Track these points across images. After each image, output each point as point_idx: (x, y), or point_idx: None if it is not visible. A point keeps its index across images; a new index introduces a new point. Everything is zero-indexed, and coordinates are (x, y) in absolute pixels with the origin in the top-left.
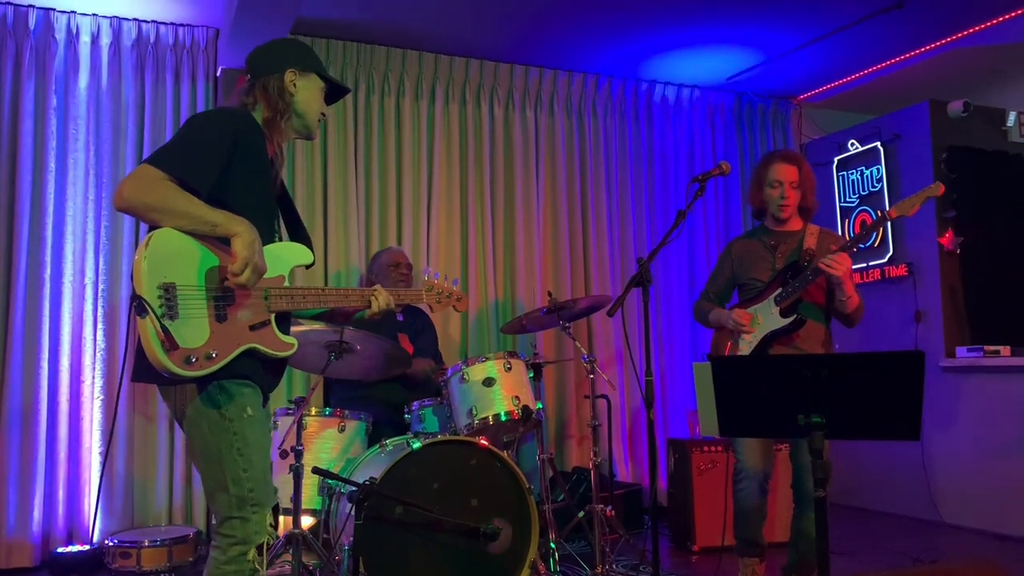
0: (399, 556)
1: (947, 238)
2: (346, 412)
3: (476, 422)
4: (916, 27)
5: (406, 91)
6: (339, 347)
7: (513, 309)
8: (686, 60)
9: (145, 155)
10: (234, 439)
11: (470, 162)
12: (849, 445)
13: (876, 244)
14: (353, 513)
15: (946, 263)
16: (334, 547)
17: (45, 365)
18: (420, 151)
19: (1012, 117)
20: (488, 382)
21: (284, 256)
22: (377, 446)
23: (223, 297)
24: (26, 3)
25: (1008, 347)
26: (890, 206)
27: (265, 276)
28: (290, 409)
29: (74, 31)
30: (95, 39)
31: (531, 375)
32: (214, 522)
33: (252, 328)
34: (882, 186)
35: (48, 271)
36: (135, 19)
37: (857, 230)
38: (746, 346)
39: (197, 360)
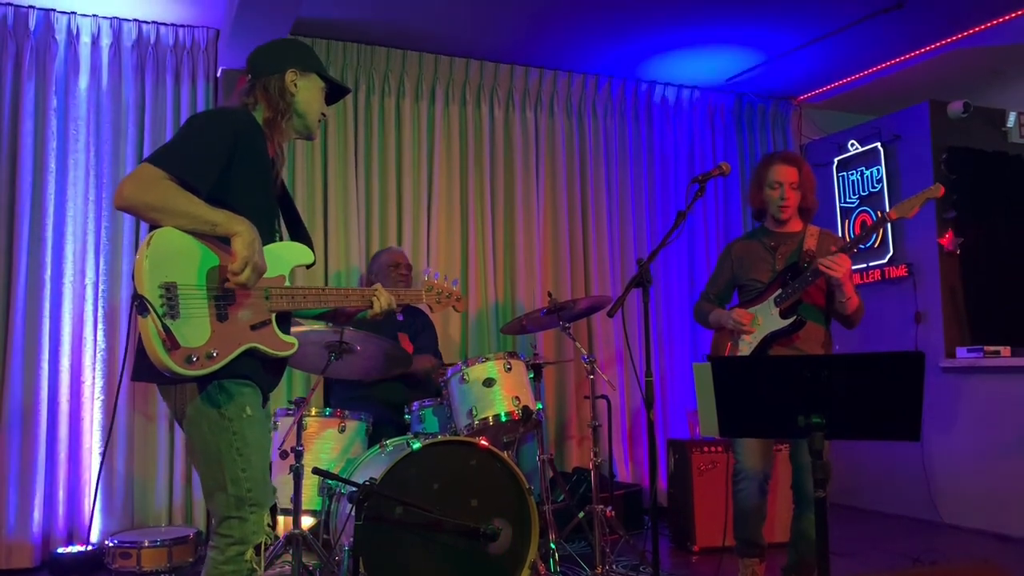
0: (399, 557)
1: (947, 239)
2: (346, 412)
3: (476, 422)
4: (916, 27)
5: (406, 92)
6: (339, 347)
7: (513, 309)
8: (686, 60)
9: (145, 156)
10: (233, 439)
11: (470, 162)
12: (849, 445)
13: (876, 245)
14: (353, 513)
15: (946, 264)
16: (334, 548)
17: (45, 365)
18: (420, 151)
19: (1012, 118)
20: (488, 382)
21: (284, 256)
22: (377, 446)
23: (224, 296)
24: (26, 4)
25: (1008, 347)
26: (890, 207)
27: (266, 276)
28: (290, 409)
29: (74, 32)
30: (95, 40)
31: (531, 375)
32: (213, 522)
33: (253, 328)
34: (882, 187)
35: (48, 271)
36: (135, 20)
37: (857, 231)
38: (746, 347)
39: (198, 359)
